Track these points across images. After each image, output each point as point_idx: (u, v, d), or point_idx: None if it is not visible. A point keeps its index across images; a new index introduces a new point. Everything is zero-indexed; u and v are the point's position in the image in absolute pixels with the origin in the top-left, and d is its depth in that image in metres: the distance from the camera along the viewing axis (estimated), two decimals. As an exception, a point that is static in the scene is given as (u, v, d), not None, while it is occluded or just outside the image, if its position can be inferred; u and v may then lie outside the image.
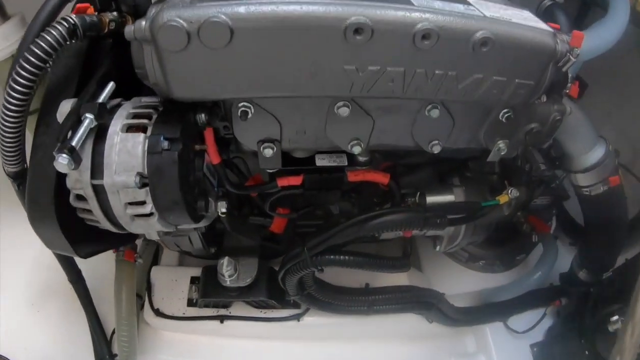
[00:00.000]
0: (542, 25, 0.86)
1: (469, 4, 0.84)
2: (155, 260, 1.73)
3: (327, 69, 0.79)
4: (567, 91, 1.13)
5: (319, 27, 0.74)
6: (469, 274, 1.74)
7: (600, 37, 1.15)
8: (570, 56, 0.87)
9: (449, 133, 0.99)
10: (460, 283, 1.74)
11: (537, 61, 0.84)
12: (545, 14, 1.31)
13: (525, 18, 0.87)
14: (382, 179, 1.11)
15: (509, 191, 1.16)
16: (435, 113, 0.92)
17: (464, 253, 1.68)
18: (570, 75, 1.16)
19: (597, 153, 1.23)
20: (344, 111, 0.90)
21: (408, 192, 1.20)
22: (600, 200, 1.29)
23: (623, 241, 1.52)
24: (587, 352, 1.55)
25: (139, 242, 1.55)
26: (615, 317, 1.38)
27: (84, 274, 1.39)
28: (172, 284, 1.60)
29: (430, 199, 1.18)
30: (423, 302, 1.47)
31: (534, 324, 1.74)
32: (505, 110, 0.95)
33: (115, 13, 0.91)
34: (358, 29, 0.73)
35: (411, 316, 1.58)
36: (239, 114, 0.88)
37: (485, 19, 0.79)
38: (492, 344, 1.70)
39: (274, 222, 1.27)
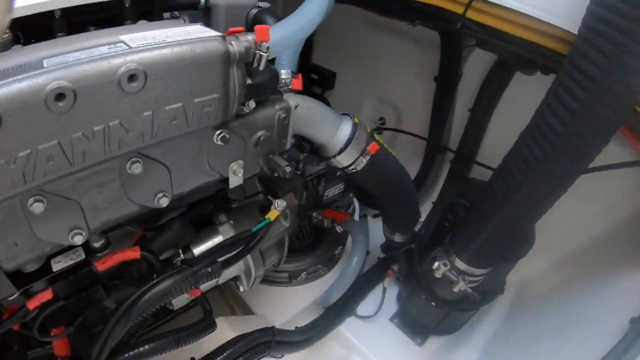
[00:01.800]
0: (209, 33, 0.78)
1: (118, 41, 0.73)
2: None
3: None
4: (290, 87, 1.09)
5: None
6: (299, 290, 1.67)
7: (298, 22, 1.10)
8: (261, 52, 0.82)
9: (169, 181, 0.87)
10: (295, 304, 1.67)
11: (209, 71, 0.76)
12: (255, 22, 1.27)
13: (190, 32, 0.78)
14: (133, 254, 0.97)
15: (276, 204, 1.09)
16: (137, 168, 0.80)
17: (283, 274, 1.60)
18: (286, 70, 1.12)
19: (344, 131, 1.19)
20: (38, 207, 0.73)
21: (173, 252, 1.07)
22: (370, 170, 1.27)
23: (414, 193, 1.55)
24: (433, 304, 1.57)
25: None
26: (437, 264, 1.39)
27: None
28: None
29: (199, 249, 1.06)
30: (258, 345, 1.35)
31: (380, 302, 1.74)
32: (217, 133, 0.86)
33: None
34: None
35: (259, 361, 1.46)
36: None
37: (130, 51, 0.69)
38: (355, 339, 1.66)
39: (55, 346, 1.06)
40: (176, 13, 1.15)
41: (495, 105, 1.86)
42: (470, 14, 1.23)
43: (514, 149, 1.10)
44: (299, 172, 1.41)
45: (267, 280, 1.61)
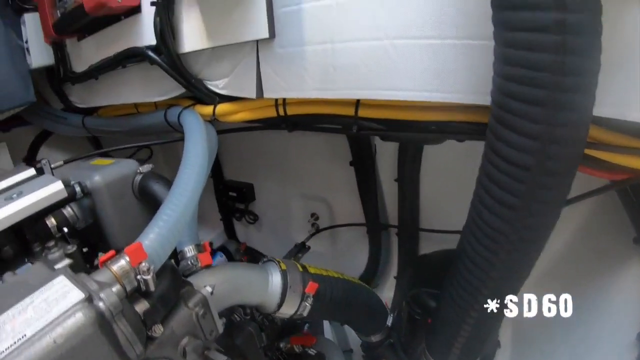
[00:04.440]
0: (71, 297, 0.66)
1: None
2: None
3: None
4: (198, 265, 1.00)
5: None
6: None
7: (177, 208, 0.87)
8: (144, 276, 0.73)
9: None
10: None
11: (87, 349, 0.64)
12: (142, 192, 1.19)
13: (50, 302, 0.66)
14: None
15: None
16: None
17: None
18: (188, 246, 1.04)
19: (275, 284, 1.09)
20: None
21: None
22: (318, 308, 1.17)
23: (373, 299, 1.48)
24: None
25: None
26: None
27: None
28: None
29: None
30: None
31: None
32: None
33: None
34: None
35: None
36: None
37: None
38: None
39: None
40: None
41: (419, 167, 1.82)
42: (362, 112, 1.13)
43: (467, 236, 0.93)
44: (247, 317, 1.31)
45: None
